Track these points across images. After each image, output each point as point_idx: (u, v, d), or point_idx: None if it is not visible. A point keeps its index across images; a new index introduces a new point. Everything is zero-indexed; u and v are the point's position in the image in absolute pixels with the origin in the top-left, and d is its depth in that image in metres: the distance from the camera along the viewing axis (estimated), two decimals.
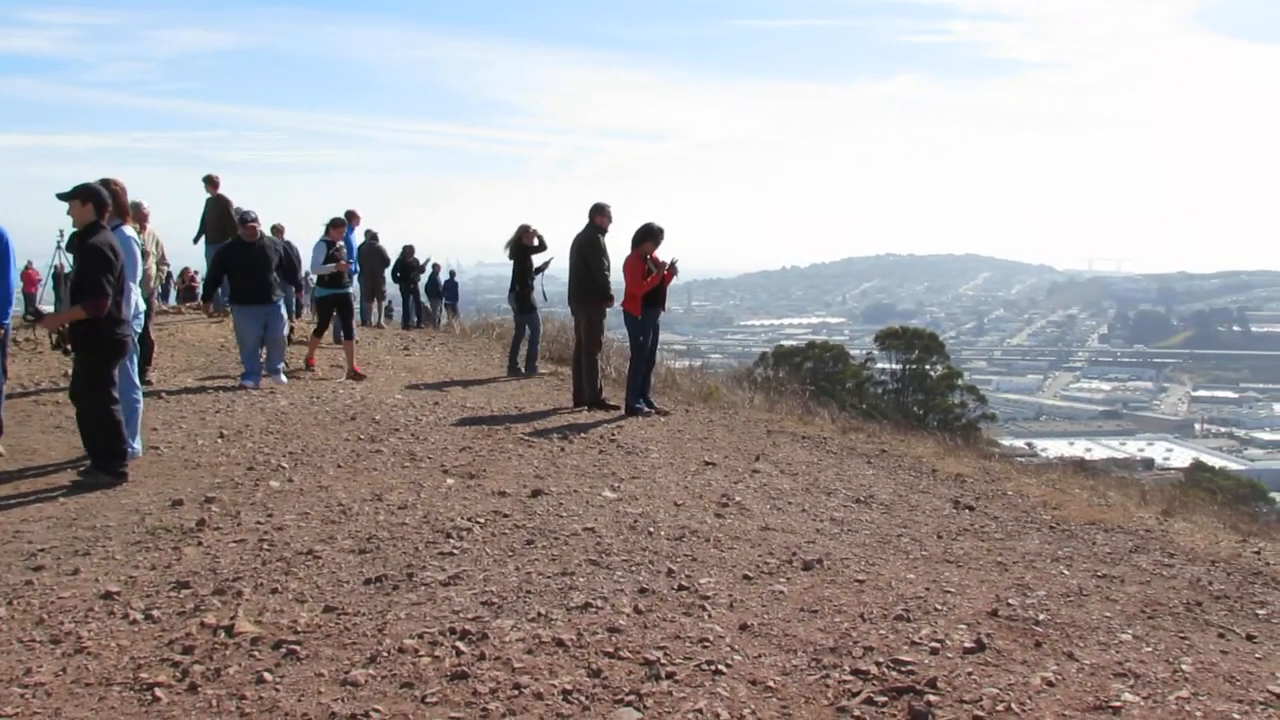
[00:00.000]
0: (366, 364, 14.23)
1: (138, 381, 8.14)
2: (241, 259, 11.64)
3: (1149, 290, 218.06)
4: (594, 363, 11.45)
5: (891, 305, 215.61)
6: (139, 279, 8.00)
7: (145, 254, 9.90)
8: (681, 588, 5.25)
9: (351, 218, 17.21)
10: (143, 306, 8.18)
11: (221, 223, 15.61)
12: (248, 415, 9.68)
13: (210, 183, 16.37)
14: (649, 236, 10.88)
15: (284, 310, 12.13)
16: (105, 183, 7.91)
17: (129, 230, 8.02)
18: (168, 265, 11.82)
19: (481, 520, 6.39)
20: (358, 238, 19.14)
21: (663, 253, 10.99)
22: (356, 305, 21.43)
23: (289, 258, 12.31)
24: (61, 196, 7.31)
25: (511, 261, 14.02)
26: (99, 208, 7.27)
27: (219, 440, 8.66)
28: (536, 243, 14.02)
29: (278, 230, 16.42)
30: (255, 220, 11.84)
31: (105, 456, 7.29)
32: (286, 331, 12.64)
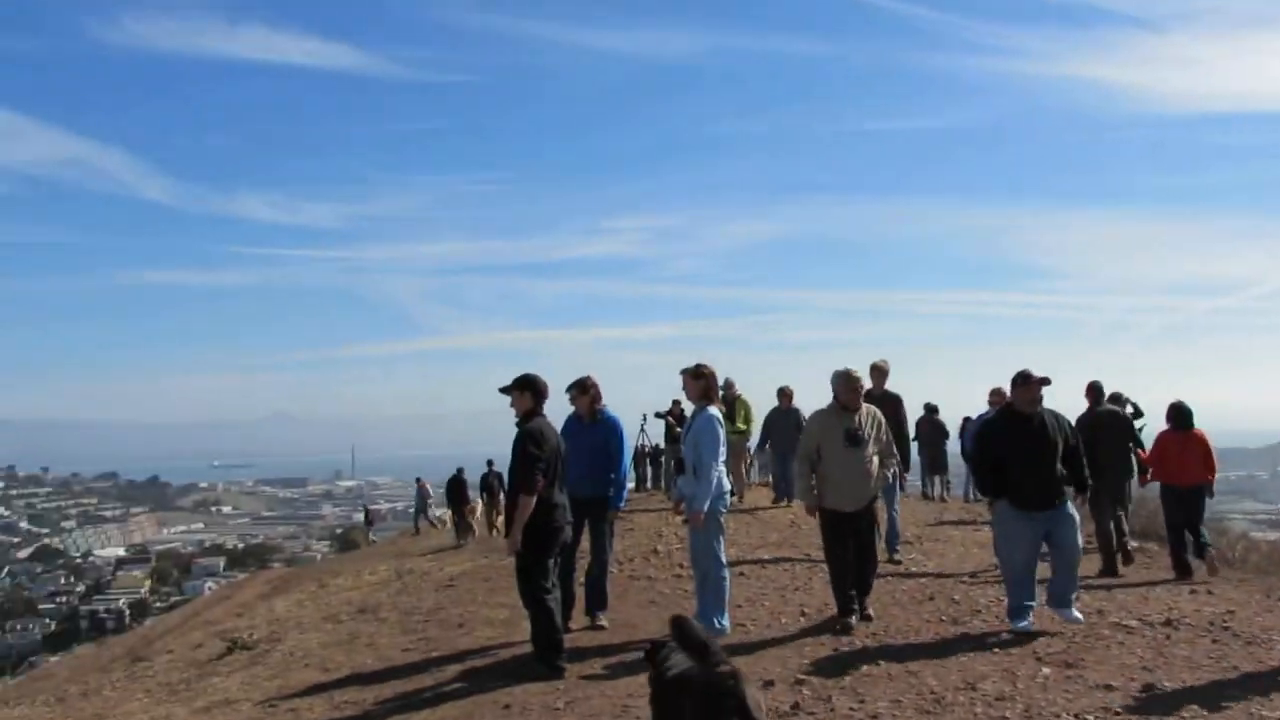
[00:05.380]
0: (935, 539, 13.87)
1: (723, 559, 8.39)
2: (1023, 440, 7.95)
3: None
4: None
5: None
6: (721, 459, 8.31)
7: (859, 438, 8.24)
8: None
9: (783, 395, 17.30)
10: (727, 486, 8.43)
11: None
12: (826, 594, 9.66)
13: (878, 373, 11.74)
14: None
15: (1073, 512, 8.18)
16: (699, 368, 8.38)
17: (713, 410, 8.40)
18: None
19: (1090, 718, 5.81)
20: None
21: None
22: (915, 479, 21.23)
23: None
24: (503, 390, 7.83)
25: None
26: (536, 396, 7.70)
27: (801, 619, 8.71)
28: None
29: (785, 393, 16.93)
30: (1043, 381, 7.97)
31: (540, 647, 7.48)
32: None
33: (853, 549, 8.35)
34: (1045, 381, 7.94)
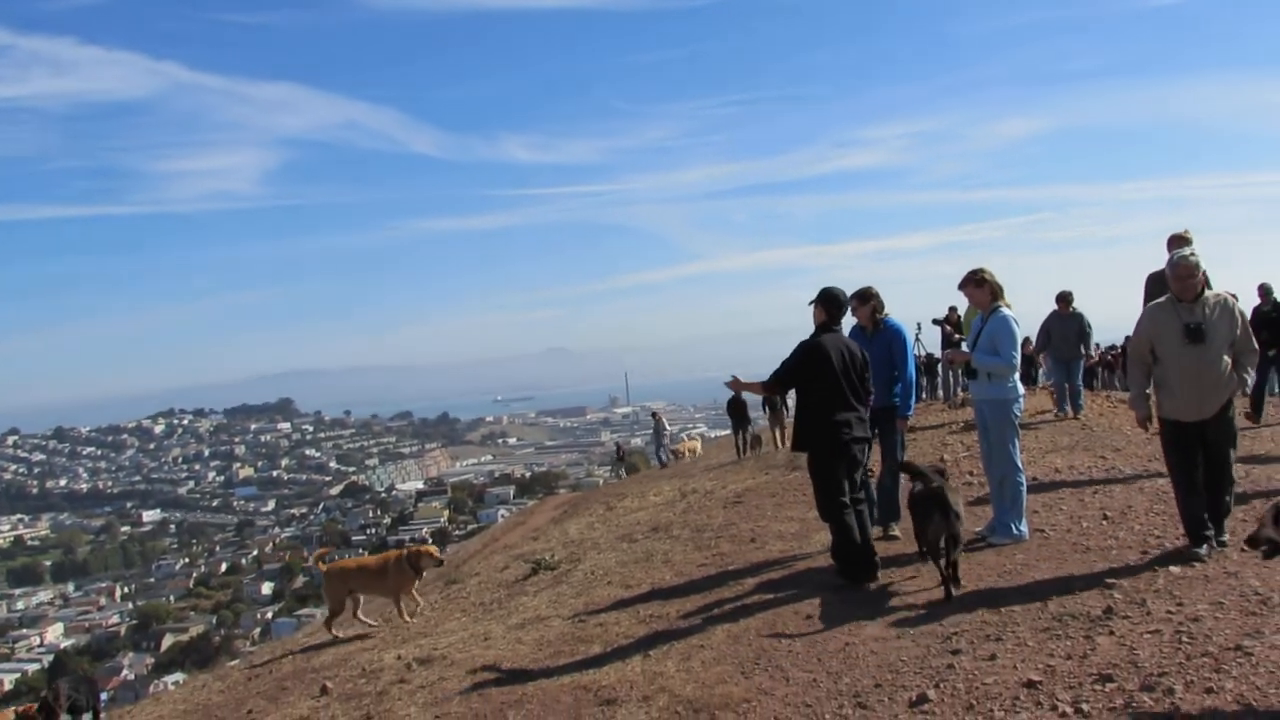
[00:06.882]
0: (1253, 437, 13.02)
1: (1019, 464, 8.21)
2: None
3: None
4: None
5: None
6: (1018, 358, 8.15)
7: (1201, 333, 6.84)
8: None
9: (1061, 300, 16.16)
10: (1022, 390, 8.24)
11: None
12: (1128, 496, 9.30)
13: (1179, 244, 9.51)
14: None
15: None
16: (979, 274, 8.18)
17: (1006, 310, 8.15)
18: None
19: None
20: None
21: None
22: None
23: None
24: (811, 303, 7.87)
25: None
26: (828, 310, 7.74)
27: (1103, 522, 8.40)
28: None
29: (1064, 298, 15.92)
30: None
31: (840, 559, 7.58)
32: None
33: (1202, 465, 7.08)
34: None
